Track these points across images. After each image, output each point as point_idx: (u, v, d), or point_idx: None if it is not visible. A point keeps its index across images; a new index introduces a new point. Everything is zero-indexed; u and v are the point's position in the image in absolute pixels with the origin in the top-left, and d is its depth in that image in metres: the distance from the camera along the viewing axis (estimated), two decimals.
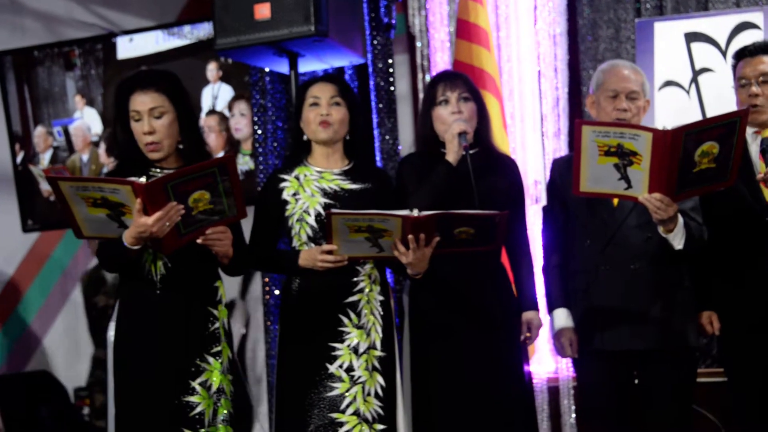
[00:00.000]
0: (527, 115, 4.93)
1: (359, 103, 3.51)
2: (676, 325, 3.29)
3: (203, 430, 3.05)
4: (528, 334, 3.40)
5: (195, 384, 3.07)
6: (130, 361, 3.08)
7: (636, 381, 3.40)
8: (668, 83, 4.58)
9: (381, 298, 3.32)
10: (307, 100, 3.35)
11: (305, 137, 3.38)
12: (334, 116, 3.31)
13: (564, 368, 4.68)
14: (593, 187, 3.04)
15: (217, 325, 3.15)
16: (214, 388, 3.11)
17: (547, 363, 4.75)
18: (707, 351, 4.45)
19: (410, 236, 3.04)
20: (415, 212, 3.01)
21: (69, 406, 5.94)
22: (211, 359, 3.11)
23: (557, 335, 3.40)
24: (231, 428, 3.15)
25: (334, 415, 3.19)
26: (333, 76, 3.52)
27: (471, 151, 3.31)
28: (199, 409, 3.06)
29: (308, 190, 3.30)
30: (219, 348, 3.14)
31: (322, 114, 3.31)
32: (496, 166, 3.43)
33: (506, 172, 3.47)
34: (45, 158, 6.22)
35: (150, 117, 3.07)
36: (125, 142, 3.15)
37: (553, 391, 4.76)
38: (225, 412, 3.14)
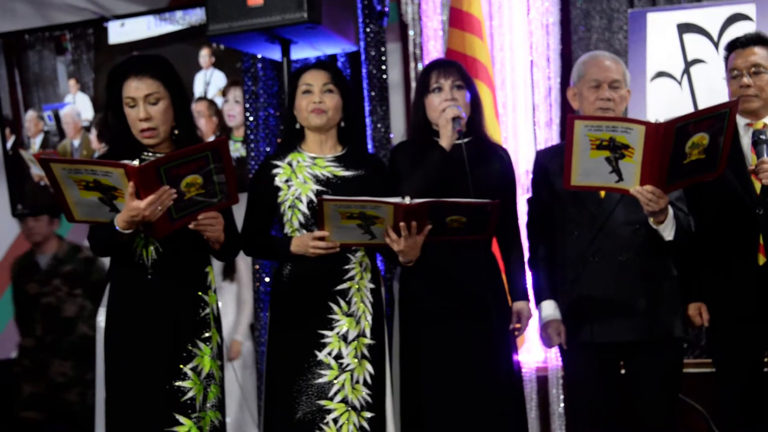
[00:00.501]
0: (519, 104, 4.93)
1: (352, 90, 3.50)
2: (664, 316, 3.30)
3: (194, 414, 3.05)
4: (518, 325, 3.41)
5: (186, 369, 3.07)
6: (121, 346, 3.07)
7: (622, 371, 3.41)
8: (660, 74, 4.59)
9: (372, 286, 3.32)
10: (299, 87, 3.34)
11: (298, 124, 3.37)
12: (327, 103, 3.31)
13: (553, 358, 4.69)
14: (584, 180, 3.05)
15: (207, 310, 3.14)
16: (204, 373, 3.10)
17: (536, 352, 4.77)
18: (696, 342, 4.47)
19: (402, 224, 3.04)
20: (407, 200, 3.01)
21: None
22: (201, 344, 3.11)
23: (544, 326, 3.41)
24: (220, 413, 3.16)
25: (323, 402, 3.19)
26: (326, 63, 3.51)
27: (465, 140, 3.31)
28: (190, 394, 3.06)
29: (301, 176, 3.30)
30: (209, 333, 3.14)
31: (315, 101, 3.30)
32: (489, 155, 3.44)
33: (499, 161, 3.47)
34: (36, 143, 6.21)
35: (145, 103, 3.06)
36: (117, 127, 3.14)
37: (542, 381, 4.78)
38: (214, 397, 3.14)
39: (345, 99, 3.36)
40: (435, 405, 3.28)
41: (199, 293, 3.14)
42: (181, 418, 3.03)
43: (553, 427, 4.73)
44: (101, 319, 3.12)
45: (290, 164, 3.33)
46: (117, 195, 2.85)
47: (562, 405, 4.72)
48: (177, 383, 3.04)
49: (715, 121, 2.95)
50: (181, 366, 3.06)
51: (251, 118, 5.10)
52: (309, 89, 3.32)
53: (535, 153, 3.60)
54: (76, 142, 6.11)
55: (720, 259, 3.39)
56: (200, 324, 3.12)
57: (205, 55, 5.78)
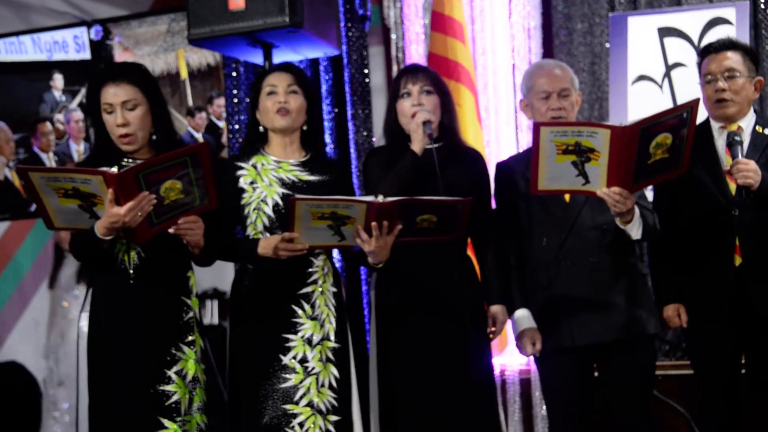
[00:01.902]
0: (501, 108, 4.94)
1: (315, 94, 3.50)
2: (638, 314, 3.33)
3: (179, 418, 3.05)
4: (493, 329, 3.41)
5: (171, 373, 3.07)
6: (104, 351, 3.07)
7: (596, 373, 3.43)
8: (641, 77, 4.61)
9: (334, 289, 3.32)
10: (263, 89, 3.33)
11: (261, 128, 3.36)
12: (292, 104, 3.30)
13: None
14: (551, 185, 3.08)
15: (190, 314, 3.15)
16: (189, 376, 3.11)
17: (519, 355, 4.75)
18: (677, 344, 4.49)
19: (374, 223, 3.04)
20: (380, 198, 3.01)
21: (38, 396, 5.90)
22: (185, 348, 3.11)
23: (519, 336, 3.41)
24: (205, 416, 3.16)
25: (288, 406, 3.18)
26: (289, 65, 3.49)
27: (436, 145, 3.31)
28: (175, 397, 3.06)
29: (266, 179, 3.29)
30: (193, 337, 3.14)
31: (281, 101, 3.29)
32: (460, 158, 3.44)
33: (471, 164, 3.47)
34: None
35: (123, 109, 3.06)
36: (97, 133, 3.14)
37: (525, 383, 4.78)
38: (200, 400, 3.14)
39: (309, 101, 3.37)
40: (408, 409, 3.28)
41: (182, 297, 3.14)
42: (166, 422, 3.03)
43: (536, 430, 4.73)
44: (84, 324, 3.11)
45: (255, 166, 3.31)
46: (96, 202, 2.84)
47: (545, 407, 4.72)
48: (161, 387, 3.04)
49: (678, 120, 3.00)
50: (166, 370, 3.06)
51: (233, 123, 5.09)
52: (273, 90, 3.31)
53: (495, 165, 3.59)
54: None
55: (697, 260, 3.41)
56: (183, 328, 3.12)
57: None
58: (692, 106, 3.04)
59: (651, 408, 3.42)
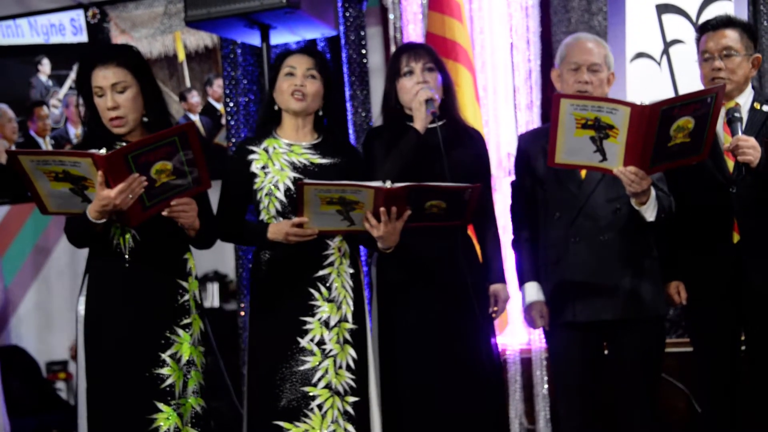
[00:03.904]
0: (500, 87, 4.93)
1: (334, 79, 3.47)
2: (646, 295, 3.32)
3: (174, 401, 3.05)
4: (495, 308, 3.41)
5: (165, 356, 3.06)
6: (100, 335, 3.07)
7: (606, 351, 3.43)
8: (640, 55, 4.60)
9: (351, 270, 3.31)
10: (282, 69, 3.32)
11: (276, 106, 3.36)
12: (308, 88, 3.29)
13: (537, 340, 4.71)
14: (568, 158, 3.06)
15: (186, 297, 3.14)
16: (184, 360, 3.10)
17: (520, 335, 4.78)
18: (677, 321, 4.50)
19: (382, 209, 3.03)
20: (388, 183, 3.00)
21: (41, 380, 5.92)
22: (180, 331, 3.11)
23: (528, 308, 3.42)
24: (202, 399, 3.16)
25: (306, 388, 3.19)
26: (311, 49, 3.49)
27: (440, 123, 3.31)
28: (169, 381, 3.06)
29: (277, 163, 3.28)
30: (189, 320, 3.13)
31: (296, 84, 3.28)
32: (462, 138, 3.43)
33: (473, 144, 3.46)
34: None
35: (113, 92, 3.05)
36: (89, 117, 3.13)
37: (526, 363, 4.80)
38: (195, 383, 3.14)
39: (326, 87, 3.35)
40: (414, 388, 3.28)
41: (178, 280, 3.13)
42: (161, 405, 3.03)
43: (537, 409, 4.75)
44: (81, 308, 3.11)
45: (266, 150, 3.31)
46: (87, 185, 2.84)
47: (546, 386, 4.74)
48: (156, 371, 3.04)
49: (701, 105, 2.97)
50: (160, 353, 3.06)
51: (231, 104, 5.08)
52: (292, 72, 3.30)
53: (517, 136, 3.60)
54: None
55: (696, 238, 3.41)
56: (179, 311, 3.12)
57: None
58: (717, 91, 3.00)
59: (657, 389, 3.41)
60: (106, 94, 3.05)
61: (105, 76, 3.05)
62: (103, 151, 2.79)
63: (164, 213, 2.96)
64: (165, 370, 3.06)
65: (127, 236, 3.06)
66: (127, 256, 3.07)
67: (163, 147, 2.82)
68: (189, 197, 2.98)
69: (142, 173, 2.82)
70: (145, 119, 3.11)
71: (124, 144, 3.06)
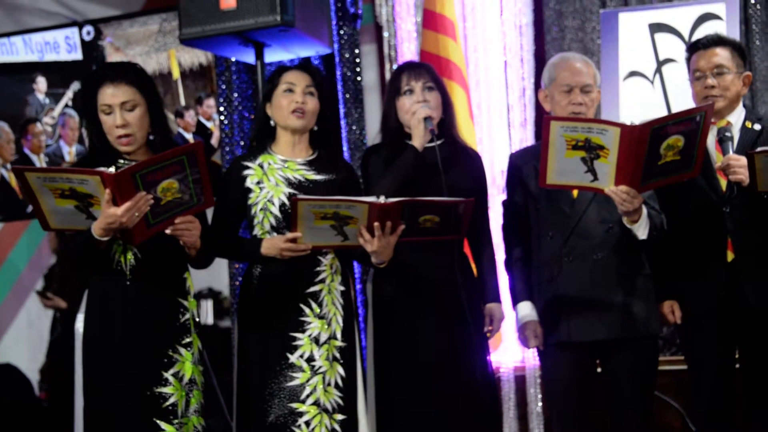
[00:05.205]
0: (493, 105, 4.95)
1: (329, 96, 3.48)
2: (639, 313, 3.32)
3: (176, 420, 3.04)
4: (490, 327, 3.42)
5: (168, 375, 3.06)
6: (100, 353, 3.06)
7: (599, 369, 3.43)
8: (633, 73, 4.61)
9: (342, 288, 3.31)
10: (280, 85, 3.32)
11: (272, 122, 3.36)
12: (309, 105, 3.30)
13: (530, 357, 4.71)
14: (560, 179, 3.08)
15: (187, 316, 3.14)
16: (186, 378, 3.10)
17: (513, 352, 4.78)
18: (671, 339, 4.50)
19: (376, 224, 3.04)
20: (382, 198, 3.01)
21: (33, 398, 5.90)
22: (182, 350, 3.10)
23: (522, 328, 3.42)
24: (202, 419, 3.15)
25: (294, 405, 3.18)
26: (308, 66, 3.49)
27: (438, 142, 3.32)
28: (172, 399, 3.05)
29: (272, 179, 3.28)
30: (190, 339, 3.13)
31: (297, 101, 3.28)
32: (461, 157, 3.44)
33: (471, 164, 3.48)
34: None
35: (122, 110, 3.05)
36: (93, 134, 3.13)
37: (520, 380, 4.80)
38: (197, 402, 3.13)
39: (322, 104, 3.36)
40: (410, 406, 3.28)
41: (179, 299, 3.13)
42: (163, 424, 3.02)
43: (531, 427, 4.75)
44: (79, 325, 3.10)
45: (261, 166, 3.31)
46: (93, 202, 2.84)
47: (540, 404, 4.74)
48: (158, 389, 3.03)
49: (690, 123, 2.99)
50: (162, 372, 3.05)
51: (225, 122, 5.09)
52: (291, 88, 3.30)
53: (509, 156, 3.60)
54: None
55: (690, 257, 3.42)
56: (180, 329, 3.11)
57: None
58: (706, 110, 3.03)
59: (650, 407, 3.41)
60: (115, 112, 3.06)
61: (114, 95, 3.05)
62: (111, 169, 2.79)
63: (168, 231, 2.96)
64: (168, 389, 3.05)
65: (129, 254, 3.06)
66: (128, 274, 3.06)
67: (171, 166, 2.84)
68: (192, 215, 2.99)
69: (148, 191, 2.83)
70: (151, 137, 3.12)
71: (127, 161, 3.08)
